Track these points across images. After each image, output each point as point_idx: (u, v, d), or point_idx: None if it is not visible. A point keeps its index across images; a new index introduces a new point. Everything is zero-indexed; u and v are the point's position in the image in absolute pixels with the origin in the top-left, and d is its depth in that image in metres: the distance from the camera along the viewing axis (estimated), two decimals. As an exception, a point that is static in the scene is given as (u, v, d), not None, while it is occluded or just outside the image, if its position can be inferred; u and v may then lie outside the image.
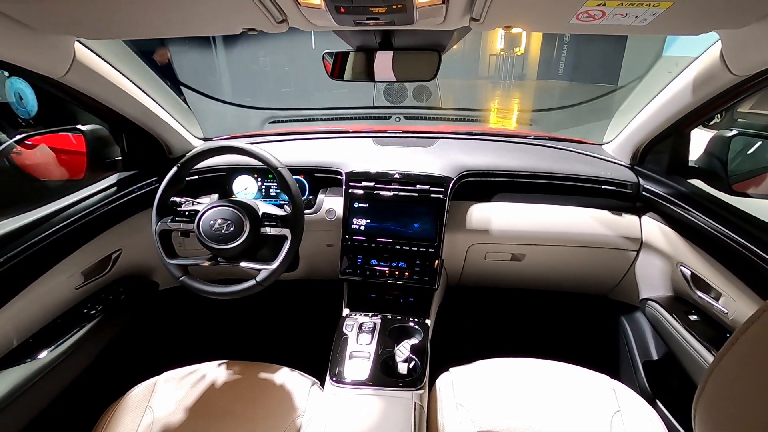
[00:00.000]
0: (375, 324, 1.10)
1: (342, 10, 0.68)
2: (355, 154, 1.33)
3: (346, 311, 1.22)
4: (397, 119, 1.89)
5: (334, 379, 0.95)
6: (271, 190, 1.36)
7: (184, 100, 1.35)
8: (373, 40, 0.93)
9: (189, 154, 1.08)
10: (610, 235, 1.24)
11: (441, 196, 1.20)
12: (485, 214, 1.27)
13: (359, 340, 1.05)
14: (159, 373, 1.08)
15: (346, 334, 1.07)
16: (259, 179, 1.36)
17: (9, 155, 1.21)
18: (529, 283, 1.46)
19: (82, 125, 1.19)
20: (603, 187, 1.25)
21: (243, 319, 1.77)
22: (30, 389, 0.89)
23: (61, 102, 1.71)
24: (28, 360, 0.93)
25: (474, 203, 1.28)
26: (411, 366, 0.98)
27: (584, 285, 1.44)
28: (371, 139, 1.45)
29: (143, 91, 1.14)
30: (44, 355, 0.95)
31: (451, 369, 1.08)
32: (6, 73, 1.50)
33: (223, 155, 1.10)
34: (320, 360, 1.07)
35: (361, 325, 1.09)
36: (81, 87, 0.95)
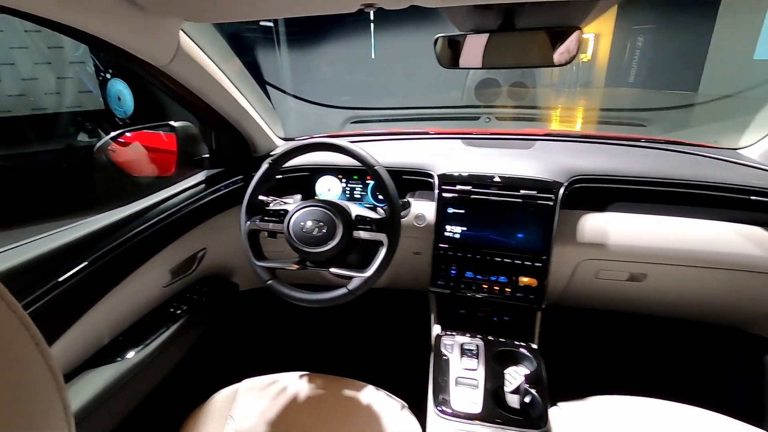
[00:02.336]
0: (478, 346, 0.97)
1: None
2: (446, 155, 1.22)
3: (436, 328, 1.10)
4: (487, 119, 1.75)
5: (439, 408, 0.83)
6: (355, 192, 1.28)
7: (269, 99, 1.31)
8: (491, 22, 0.82)
9: (281, 150, 1.02)
10: (761, 257, 1.02)
11: (549, 203, 1.05)
12: (601, 225, 1.09)
13: (463, 364, 0.92)
14: (239, 380, 1.03)
15: (446, 356, 0.95)
16: (344, 180, 1.29)
17: (106, 151, 1.23)
18: (648, 307, 1.25)
19: (174, 122, 1.20)
20: (752, 198, 1.04)
21: (320, 327, 1.71)
22: (119, 390, 0.86)
23: (154, 103, 1.78)
24: (118, 359, 0.90)
25: (587, 213, 1.12)
26: (527, 400, 0.83)
27: (717, 314, 1.21)
28: (460, 140, 1.33)
29: (236, 87, 1.11)
30: (132, 356, 0.92)
31: (559, 404, 0.93)
32: (108, 75, 1.56)
33: (309, 153, 1.04)
34: (404, 378, 0.96)
35: (462, 346, 0.97)
36: (182, 78, 0.93)
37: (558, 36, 0.77)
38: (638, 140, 1.30)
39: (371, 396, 0.98)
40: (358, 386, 1.01)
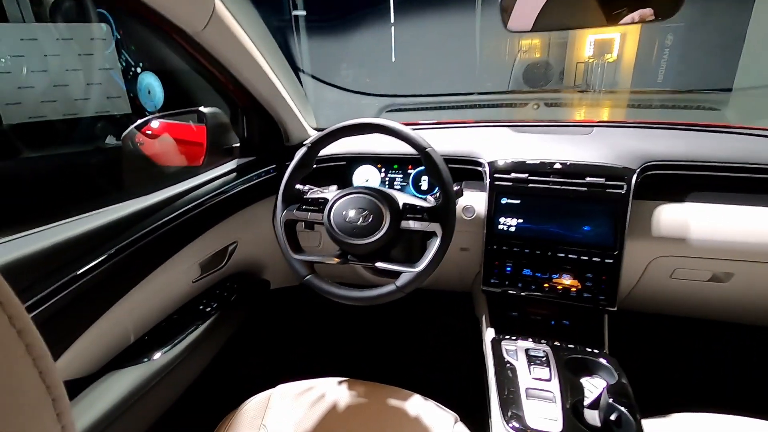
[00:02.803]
0: (546, 352, 0.85)
1: None
2: (496, 142, 1.11)
3: (490, 332, 0.98)
4: (536, 106, 1.62)
5: (511, 425, 0.72)
6: (395, 183, 1.18)
7: (301, 85, 1.23)
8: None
9: (320, 134, 0.93)
10: None
11: (621, 191, 0.93)
12: (680, 218, 0.96)
13: (533, 373, 0.80)
14: (273, 385, 0.93)
15: (510, 363, 0.83)
16: (383, 170, 1.19)
17: (134, 138, 1.17)
18: (730, 313, 1.11)
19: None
20: None
21: (356, 329, 1.60)
22: (147, 394, 0.78)
23: (184, 95, 1.74)
24: (145, 360, 0.82)
25: (662, 204, 0.98)
26: (612, 417, 0.71)
27: None
28: (508, 127, 1.22)
29: (270, 67, 1.03)
30: (159, 356, 0.84)
31: (642, 421, 0.80)
32: (138, 69, 1.53)
33: (345, 140, 0.95)
34: (453, 386, 0.85)
35: (527, 352, 0.85)
36: (215, 49, 0.85)
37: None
38: (714, 127, 1.15)
39: (419, 406, 0.87)
40: (404, 395, 0.90)
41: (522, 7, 0.76)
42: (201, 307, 1.00)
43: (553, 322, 1.02)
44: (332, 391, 0.91)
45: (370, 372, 1.04)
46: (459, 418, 0.86)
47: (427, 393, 0.91)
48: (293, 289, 0.95)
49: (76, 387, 0.74)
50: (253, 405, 0.88)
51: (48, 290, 0.64)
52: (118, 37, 1.48)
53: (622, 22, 0.73)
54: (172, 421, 0.90)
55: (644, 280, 1.04)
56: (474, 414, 0.95)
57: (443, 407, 0.88)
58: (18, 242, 0.66)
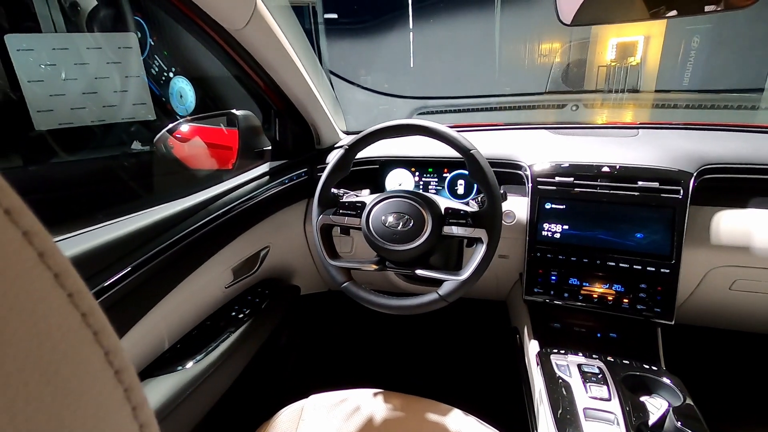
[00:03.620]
0: (601, 369, 0.79)
1: None
2: (537, 144, 1.06)
3: (533, 345, 0.93)
4: (574, 107, 1.56)
5: None
6: (430, 187, 1.14)
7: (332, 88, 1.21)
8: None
9: (358, 135, 0.90)
10: None
11: (678, 196, 0.87)
12: (741, 225, 0.90)
13: (589, 391, 0.75)
14: (306, 394, 0.90)
15: (563, 380, 0.78)
16: (417, 174, 1.15)
17: (166, 141, 1.17)
18: None
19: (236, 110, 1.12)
20: None
21: (390, 339, 1.56)
22: (181, 404, 0.75)
23: (213, 99, 1.76)
24: (179, 368, 0.79)
25: (721, 209, 0.92)
26: None
27: None
28: (547, 130, 1.17)
29: (305, 69, 1.01)
30: (192, 365, 0.81)
31: None
32: (171, 74, 1.54)
33: (380, 143, 0.92)
34: (494, 401, 0.80)
35: (581, 368, 0.79)
36: (254, 48, 0.83)
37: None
38: None
39: (460, 422, 0.82)
40: (444, 409, 0.85)
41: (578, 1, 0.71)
42: (233, 314, 0.97)
43: (599, 335, 0.96)
44: (367, 403, 0.87)
45: (406, 383, 0.99)
46: None
47: (468, 407, 0.87)
48: (322, 295, 0.92)
49: None
50: (286, 416, 0.85)
51: None
52: (152, 43, 1.50)
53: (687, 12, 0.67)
54: None
55: (700, 292, 0.97)
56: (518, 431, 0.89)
57: (486, 424, 0.83)
58: None
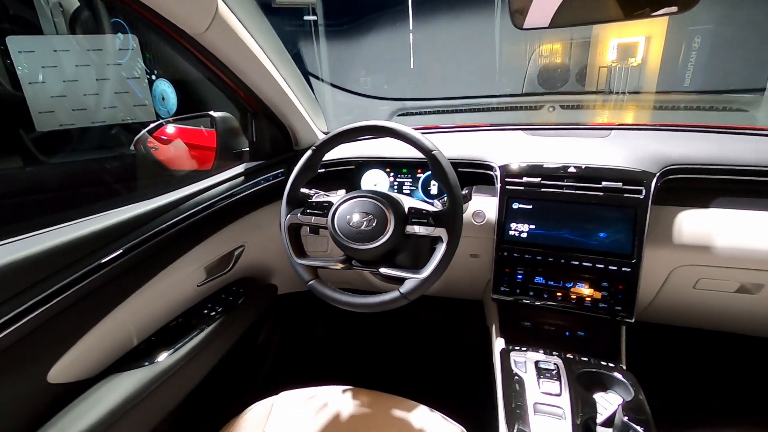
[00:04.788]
0: (557, 365, 0.80)
1: None
2: (508, 145, 1.07)
3: (499, 342, 0.94)
4: (551, 108, 1.58)
5: None
6: (404, 187, 1.16)
7: (311, 89, 1.22)
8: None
9: (326, 136, 0.92)
10: None
11: (640, 196, 0.88)
12: (704, 225, 0.91)
13: (542, 387, 0.76)
14: (276, 391, 0.92)
15: (518, 376, 0.80)
16: (392, 174, 1.17)
17: (146, 143, 1.19)
18: (761, 326, 1.04)
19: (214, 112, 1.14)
20: None
21: (363, 337, 1.58)
22: (148, 397, 0.77)
23: (195, 102, 1.78)
24: (147, 363, 0.81)
25: (684, 209, 0.93)
26: None
27: None
28: (522, 131, 1.18)
29: (277, 69, 1.03)
30: (162, 359, 0.83)
31: None
32: (153, 77, 1.57)
33: (354, 144, 0.93)
34: (460, 398, 0.81)
35: (537, 364, 0.81)
36: (219, 51, 0.84)
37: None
38: (744, 130, 1.08)
39: (425, 418, 0.84)
40: (409, 405, 0.87)
41: (538, 3, 0.73)
42: (206, 312, 0.99)
43: (567, 333, 0.97)
44: (336, 400, 0.89)
45: (376, 381, 1.01)
46: (465, 431, 0.82)
47: (434, 404, 0.88)
48: (301, 295, 0.93)
49: (77, 389, 0.73)
50: (255, 412, 0.87)
51: (50, 291, 0.64)
52: (134, 46, 1.53)
53: (638, 13, 0.69)
54: (174, 426, 0.89)
55: (665, 291, 0.98)
56: (482, 427, 0.91)
57: (450, 419, 0.85)
58: (20, 244, 0.66)
